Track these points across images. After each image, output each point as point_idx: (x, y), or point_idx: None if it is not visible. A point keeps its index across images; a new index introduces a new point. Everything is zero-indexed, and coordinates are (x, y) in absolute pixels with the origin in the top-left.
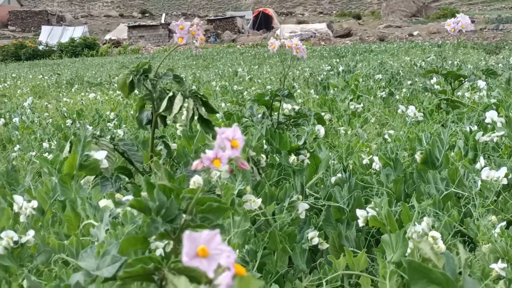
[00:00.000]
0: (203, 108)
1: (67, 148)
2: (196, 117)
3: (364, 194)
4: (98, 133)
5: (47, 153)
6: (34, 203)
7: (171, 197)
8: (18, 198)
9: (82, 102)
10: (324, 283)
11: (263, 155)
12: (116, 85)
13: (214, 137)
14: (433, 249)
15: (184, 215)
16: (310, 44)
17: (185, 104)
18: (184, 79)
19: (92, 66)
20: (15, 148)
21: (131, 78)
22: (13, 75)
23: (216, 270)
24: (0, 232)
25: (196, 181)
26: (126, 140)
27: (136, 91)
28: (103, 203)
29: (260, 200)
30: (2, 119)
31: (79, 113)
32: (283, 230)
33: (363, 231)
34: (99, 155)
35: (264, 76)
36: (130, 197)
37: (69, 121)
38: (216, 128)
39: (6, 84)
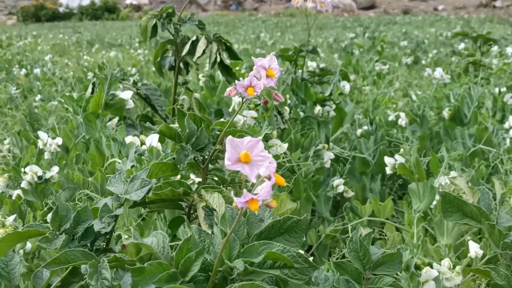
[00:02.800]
0: (225, 54)
1: (89, 89)
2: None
3: (389, 148)
4: (121, 76)
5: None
6: (59, 140)
7: (202, 126)
8: (43, 135)
9: (103, 61)
10: (350, 229)
11: (287, 107)
12: (137, 44)
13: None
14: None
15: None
16: (333, 15)
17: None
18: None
19: (112, 29)
20: (36, 98)
21: (154, 22)
22: (34, 33)
23: (257, 178)
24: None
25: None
26: (149, 84)
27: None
28: (128, 139)
29: (286, 145)
30: (24, 70)
31: (100, 66)
32: (307, 177)
33: (387, 185)
34: (125, 94)
35: (286, 42)
36: (155, 136)
37: (90, 74)
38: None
39: (26, 41)
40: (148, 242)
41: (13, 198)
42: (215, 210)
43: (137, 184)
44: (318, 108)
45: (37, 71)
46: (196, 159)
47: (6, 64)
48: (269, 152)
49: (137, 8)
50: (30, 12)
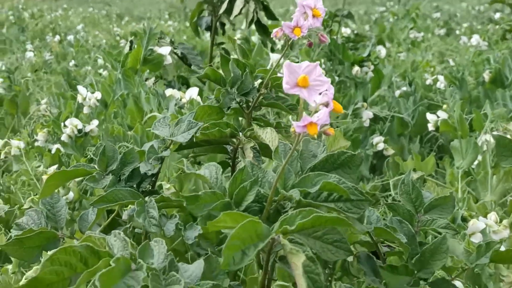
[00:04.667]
0: (263, 13)
1: (127, 46)
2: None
3: (428, 111)
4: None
5: (101, 69)
6: (98, 94)
7: (246, 71)
8: (82, 89)
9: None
10: (392, 186)
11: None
12: (167, 16)
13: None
14: None
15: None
16: None
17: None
18: None
19: (140, 4)
20: (70, 64)
21: None
22: (64, 6)
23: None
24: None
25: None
26: (185, 44)
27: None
28: (169, 92)
29: None
30: (58, 36)
31: (133, 33)
32: (346, 136)
33: (425, 147)
34: (164, 50)
35: None
36: (194, 89)
37: (123, 41)
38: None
39: (57, 13)
40: (201, 173)
41: (53, 152)
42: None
43: (184, 126)
44: (356, 68)
45: (70, 38)
46: (241, 103)
47: (40, 32)
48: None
49: None
50: None
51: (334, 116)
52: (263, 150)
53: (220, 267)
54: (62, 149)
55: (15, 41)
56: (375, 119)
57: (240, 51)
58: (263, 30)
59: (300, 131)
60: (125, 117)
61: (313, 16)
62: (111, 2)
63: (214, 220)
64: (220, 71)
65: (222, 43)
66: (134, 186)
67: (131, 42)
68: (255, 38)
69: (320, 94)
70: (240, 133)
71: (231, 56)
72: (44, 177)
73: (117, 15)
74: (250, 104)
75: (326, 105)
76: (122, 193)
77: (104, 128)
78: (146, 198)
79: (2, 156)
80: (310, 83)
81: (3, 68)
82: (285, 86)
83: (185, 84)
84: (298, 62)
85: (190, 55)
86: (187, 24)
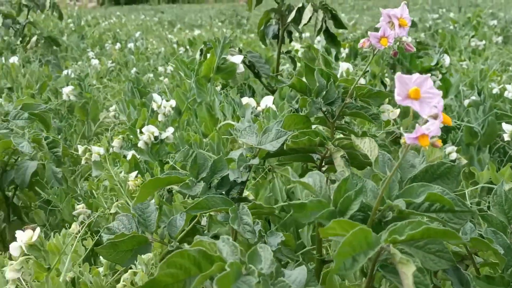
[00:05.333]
0: (331, 22)
1: (197, 54)
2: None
3: (498, 121)
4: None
5: (162, 77)
6: (173, 102)
7: (331, 81)
8: (157, 97)
9: (189, 39)
10: (467, 195)
11: (387, 79)
12: (220, 24)
13: (337, 54)
14: None
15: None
16: None
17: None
18: None
19: (190, 12)
20: (132, 71)
21: None
22: (117, 13)
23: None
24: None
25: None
26: (253, 52)
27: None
28: (245, 100)
29: (398, 110)
30: (118, 44)
31: (191, 41)
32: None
33: (494, 157)
34: (236, 58)
35: (366, 23)
36: (269, 98)
37: (181, 49)
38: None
39: (112, 21)
40: (305, 181)
41: (128, 158)
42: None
43: (272, 135)
44: None
45: (130, 45)
46: (326, 113)
47: (98, 40)
48: (380, 118)
49: None
50: None
51: (406, 125)
52: (351, 159)
53: (310, 274)
54: (137, 155)
55: (76, 48)
56: (444, 129)
57: (323, 60)
58: (332, 39)
59: (411, 142)
60: (198, 124)
61: (400, 25)
62: (161, 9)
63: (325, 227)
64: (304, 80)
65: (289, 51)
66: (224, 193)
67: (201, 50)
68: (318, 46)
69: (430, 106)
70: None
71: (299, 63)
72: (130, 183)
73: (168, 22)
74: (334, 113)
75: (435, 117)
76: (215, 200)
77: (179, 135)
78: (238, 205)
79: (83, 162)
80: (421, 95)
81: (72, 75)
82: (396, 97)
83: (250, 92)
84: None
85: (258, 64)
86: (238, 30)
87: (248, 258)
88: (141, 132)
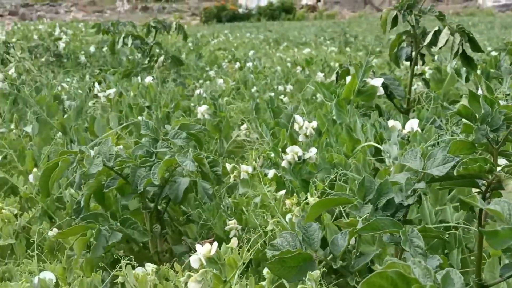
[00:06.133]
0: (468, 45)
1: (333, 77)
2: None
3: None
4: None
5: (282, 95)
6: (314, 123)
7: (496, 107)
8: (299, 118)
9: (298, 57)
10: None
11: None
12: (328, 42)
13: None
14: None
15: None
16: None
17: (451, 39)
18: None
19: (290, 29)
20: (252, 90)
21: (395, 13)
22: (225, 31)
23: None
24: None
25: None
26: (387, 75)
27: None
28: (391, 123)
29: None
30: (238, 63)
31: (307, 61)
32: None
33: None
34: (376, 81)
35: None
36: (414, 121)
37: (298, 68)
38: None
39: (220, 39)
40: (492, 208)
41: (269, 176)
42: None
43: (439, 160)
44: None
45: (249, 65)
46: (490, 139)
47: (214, 59)
48: None
49: (312, 8)
50: (212, 13)
51: None
52: None
53: None
54: (278, 174)
55: (195, 67)
56: None
57: (485, 86)
58: (468, 62)
59: None
60: (337, 145)
61: None
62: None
63: None
64: (468, 106)
65: (423, 73)
66: (389, 215)
67: (337, 73)
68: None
69: None
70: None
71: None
72: (287, 201)
73: (273, 40)
74: (499, 139)
75: None
76: (384, 222)
77: (321, 155)
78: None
79: (231, 180)
80: None
81: (204, 95)
82: None
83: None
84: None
85: (392, 86)
86: (348, 49)
87: (442, 281)
88: (284, 152)
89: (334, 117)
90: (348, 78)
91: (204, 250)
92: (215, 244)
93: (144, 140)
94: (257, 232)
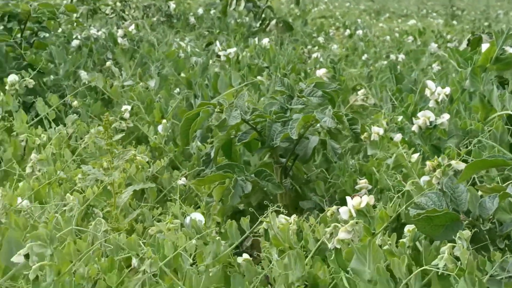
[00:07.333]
0: None
1: (464, 43)
2: None
3: None
4: None
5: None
6: (447, 89)
7: None
8: (431, 84)
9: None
10: None
11: None
12: (435, 14)
13: None
14: None
15: None
16: None
17: None
18: None
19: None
20: (363, 57)
21: None
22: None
23: None
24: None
25: None
26: None
27: None
28: None
29: None
30: (348, 30)
31: (420, 31)
32: None
33: None
34: None
35: None
36: None
37: (410, 38)
38: None
39: (321, 7)
40: None
41: (395, 140)
42: None
43: None
44: None
45: (359, 32)
46: None
47: (320, 26)
48: None
49: None
50: None
51: None
52: None
53: None
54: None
55: (302, 33)
56: None
57: None
58: None
59: None
60: (469, 112)
61: None
62: None
63: None
64: None
65: None
66: None
67: (468, 40)
68: None
69: None
70: None
71: None
72: (428, 163)
73: (373, 10)
74: None
75: None
76: None
77: (453, 122)
78: None
79: (362, 140)
80: None
81: (321, 59)
82: None
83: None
84: None
85: None
86: (455, 22)
87: None
88: (415, 117)
89: (467, 84)
90: (485, 46)
91: (354, 202)
92: (366, 197)
93: (278, 97)
94: (389, 192)
